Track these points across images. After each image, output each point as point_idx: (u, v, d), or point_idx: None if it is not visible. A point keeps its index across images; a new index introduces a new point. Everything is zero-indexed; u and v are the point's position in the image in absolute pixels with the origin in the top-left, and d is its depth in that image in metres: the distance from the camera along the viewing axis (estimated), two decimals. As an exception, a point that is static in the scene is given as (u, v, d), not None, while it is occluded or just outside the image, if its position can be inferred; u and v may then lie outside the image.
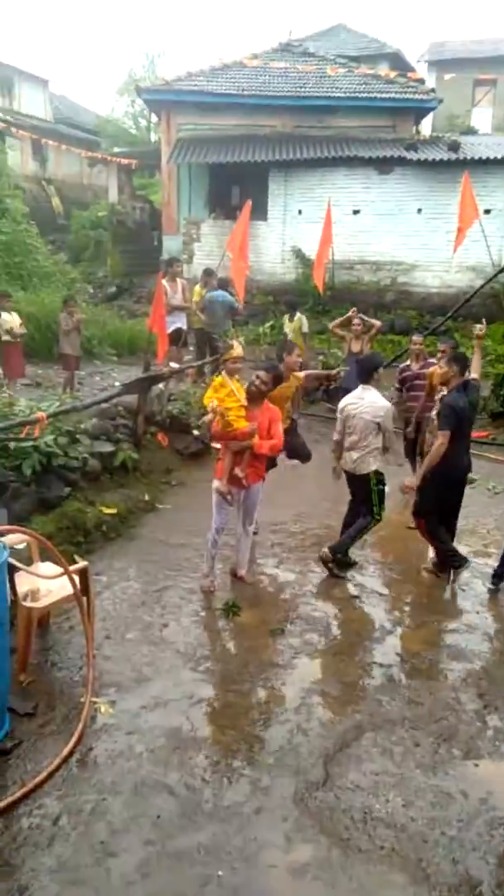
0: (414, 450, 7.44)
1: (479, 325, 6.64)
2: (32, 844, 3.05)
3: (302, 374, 6.54)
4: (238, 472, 5.27)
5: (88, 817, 3.21)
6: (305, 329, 11.06)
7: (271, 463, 6.27)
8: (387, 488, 5.90)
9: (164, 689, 4.18)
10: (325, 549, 5.86)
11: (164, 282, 9.94)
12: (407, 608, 5.42)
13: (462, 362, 5.71)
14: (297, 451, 6.63)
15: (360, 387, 5.88)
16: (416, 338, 8.14)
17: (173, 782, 3.44)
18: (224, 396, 5.19)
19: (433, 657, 4.69)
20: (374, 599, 5.55)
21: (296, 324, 10.90)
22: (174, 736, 3.77)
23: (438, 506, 5.77)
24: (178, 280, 10.66)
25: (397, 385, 7.72)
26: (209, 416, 5.20)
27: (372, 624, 5.13)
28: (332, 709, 4.09)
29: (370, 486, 5.75)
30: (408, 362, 7.81)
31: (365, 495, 5.83)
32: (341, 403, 5.94)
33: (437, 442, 5.46)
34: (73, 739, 3.64)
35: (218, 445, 5.65)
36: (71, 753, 3.58)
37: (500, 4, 60.15)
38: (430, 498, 5.71)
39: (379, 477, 5.77)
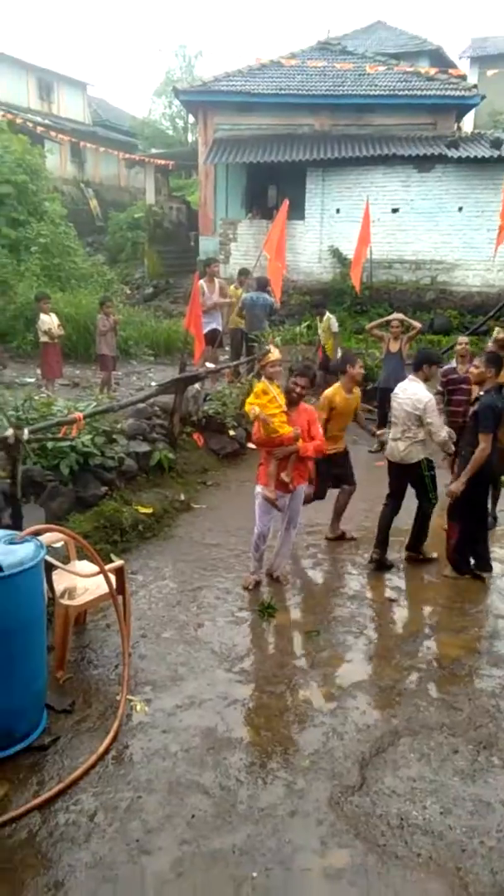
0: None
1: (498, 328, 6.52)
2: (69, 840, 3.07)
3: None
4: (284, 476, 5.27)
5: (124, 814, 3.22)
6: (335, 328, 11.00)
7: (319, 494, 6.38)
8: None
9: (198, 689, 4.18)
10: (405, 553, 6.13)
11: (201, 282, 9.99)
12: (445, 612, 5.32)
13: (500, 363, 5.63)
14: (344, 479, 6.47)
15: (409, 377, 6.00)
16: (462, 338, 7.97)
17: (208, 782, 3.43)
18: (266, 403, 5.15)
19: (472, 663, 4.60)
20: (412, 602, 5.48)
21: (325, 324, 10.86)
22: (209, 736, 3.77)
23: (472, 509, 5.70)
24: (216, 280, 10.72)
25: (440, 388, 7.43)
26: (255, 425, 5.18)
27: (409, 627, 5.06)
28: (368, 712, 4.03)
29: (422, 472, 5.86)
30: (453, 363, 7.62)
31: (418, 484, 5.94)
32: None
33: (481, 445, 5.37)
34: (109, 737, 3.66)
35: (253, 446, 5.67)
36: (107, 750, 3.60)
37: (544, -3, 58.97)
38: (467, 501, 5.62)
39: (429, 463, 5.90)
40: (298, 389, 5.31)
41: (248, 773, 3.50)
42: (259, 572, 5.55)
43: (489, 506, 6.32)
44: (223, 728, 3.84)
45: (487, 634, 4.98)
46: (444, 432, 5.76)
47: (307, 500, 6.06)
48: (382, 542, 5.96)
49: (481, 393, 5.61)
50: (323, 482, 6.38)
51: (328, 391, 6.31)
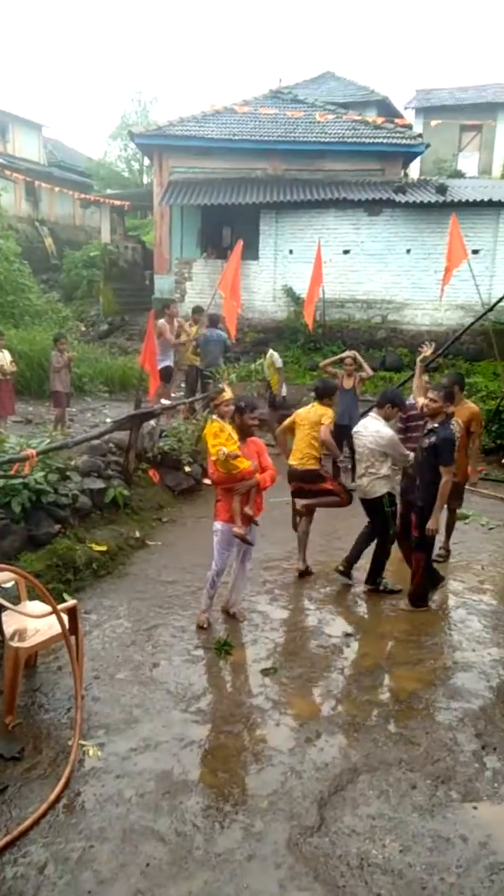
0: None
1: (424, 345, 6.88)
2: (17, 894, 2.93)
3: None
4: (248, 510, 5.29)
5: (75, 866, 3.09)
6: (279, 364, 11.28)
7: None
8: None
9: (154, 731, 4.07)
10: (366, 587, 6.24)
11: (162, 321, 10.14)
12: (402, 645, 5.33)
13: (453, 398, 5.82)
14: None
15: (370, 414, 6.25)
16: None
17: (163, 828, 3.33)
18: (224, 441, 5.16)
19: (429, 696, 4.61)
20: (369, 637, 5.48)
21: (268, 360, 11.13)
22: (164, 779, 3.66)
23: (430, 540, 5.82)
24: (176, 320, 10.89)
25: (400, 424, 7.54)
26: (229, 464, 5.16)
27: (366, 662, 5.05)
28: (327, 750, 3.99)
29: (384, 507, 6.03)
30: (411, 399, 7.74)
31: (379, 517, 6.12)
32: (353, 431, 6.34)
33: (444, 478, 5.49)
34: (61, 784, 3.53)
35: (208, 482, 5.66)
36: (58, 798, 3.46)
37: (483, 54, 62.50)
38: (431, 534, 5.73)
39: (391, 499, 6.07)
40: (256, 423, 5.41)
41: (205, 817, 3.41)
42: (210, 609, 5.50)
43: (443, 539, 6.47)
44: (179, 771, 3.74)
45: (443, 667, 5.00)
46: (411, 456, 6.02)
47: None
48: (353, 558, 6.28)
49: (435, 425, 5.68)
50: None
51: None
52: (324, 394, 6.54)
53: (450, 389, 5.98)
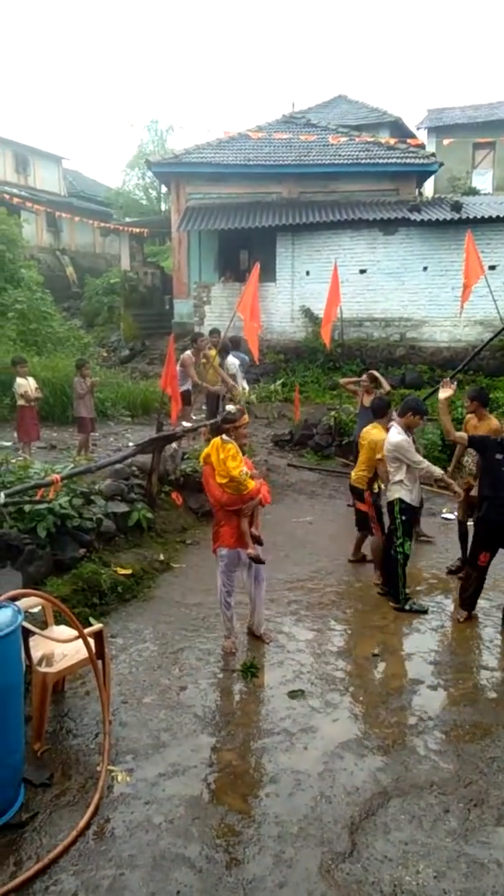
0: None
1: (445, 383, 6.19)
2: (48, 925, 2.92)
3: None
4: (255, 531, 5.28)
5: (106, 894, 3.07)
6: (233, 370, 11.02)
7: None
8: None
9: (182, 756, 4.06)
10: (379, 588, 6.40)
11: (187, 354, 10.33)
12: (429, 666, 5.26)
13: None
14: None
15: (392, 423, 6.36)
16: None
17: (193, 855, 3.30)
18: (241, 463, 5.14)
19: (458, 717, 4.54)
20: (396, 657, 5.42)
21: (215, 361, 10.92)
22: (194, 805, 3.64)
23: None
24: (203, 354, 10.97)
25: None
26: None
27: (394, 682, 4.99)
28: (356, 774, 3.94)
29: (394, 513, 6.08)
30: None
31: (391, 520, 6.19)
32: None
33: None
34: (90, 810, 3.53)
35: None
36: (87, 825, 3.46)
37: (494, 72, 62.89)
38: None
39: (402, 506, 6.04)
40: (247, 440, 5.53)
41: (235, 843, 3.38)
42: (234, 634, 5.43)
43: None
44: (208, 796, 3.72)
45: (472, 686, 4.93)
46: (435, 470, 6.06)
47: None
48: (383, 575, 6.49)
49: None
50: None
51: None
52: (378, 412, 6.84)
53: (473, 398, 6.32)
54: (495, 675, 5.07)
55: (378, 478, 6.68)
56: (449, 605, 6.40)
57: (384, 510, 6.52)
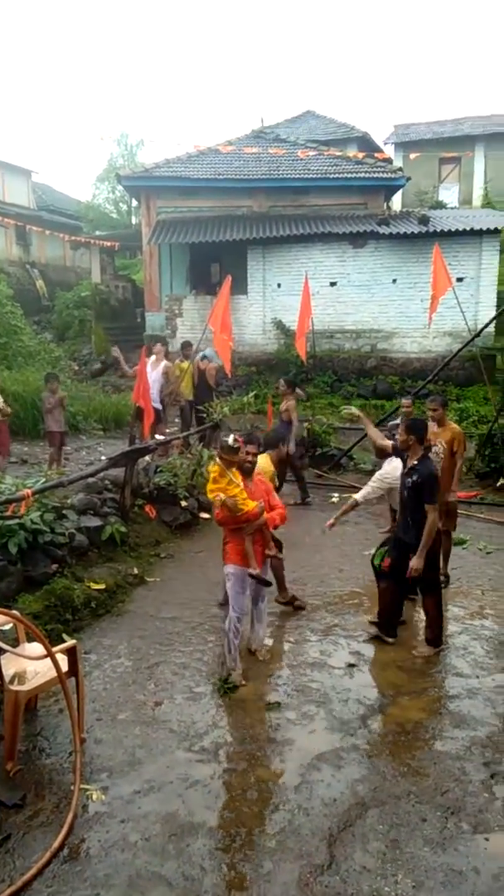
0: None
1: (405, 401, 6.97)
2: None
3: None
4: (268, 551, 5.28)
5: (81, 916, 3.02)
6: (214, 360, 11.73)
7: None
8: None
9: (158, 772, 4.01)
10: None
11: (148, 359, 10.31)
12: (405, 674, 5.28)
13: (417, 430, 5.57)
14: None
15: None
16: (405, 400, 8.21)
17: (170, 873, 3.26)
18: (225, 486, 5.03)
19: (435, 725, 4.56)
20: (372, 667, 5.42)
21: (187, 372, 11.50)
22: (170, 822, 3.60)
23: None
24: (163, 362, 11.05)
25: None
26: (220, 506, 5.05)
27: (371, 692, 5.00)
28: (334, 785, 3.92)
29: None
30: (397, 421, 7.86)
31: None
32: None
33: (431, 517, 5.32)
34: (64, 831, 3.46)
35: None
36: (62, 846, 3.39)
37: (458, 88, 64.42)
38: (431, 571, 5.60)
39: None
40: (251, 458, 5.29)
41: (213, 860, 3.34)
42: (238, 661, 5.16)
43: (441, 565, 6.41)
44: (185, 812, 3.68)
45: (448, 695, 4.95)
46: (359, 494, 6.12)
47: None
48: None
49: (415, 462, 5.50)
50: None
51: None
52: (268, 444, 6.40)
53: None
54: (469, 683, 5.10)
55: None
56: (420, 614, 6.44)
57: None
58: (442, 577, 6.93)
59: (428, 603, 5.66)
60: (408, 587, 5.74)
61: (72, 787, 3.77)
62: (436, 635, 5.66)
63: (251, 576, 5.17)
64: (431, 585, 5.66)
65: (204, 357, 11.85)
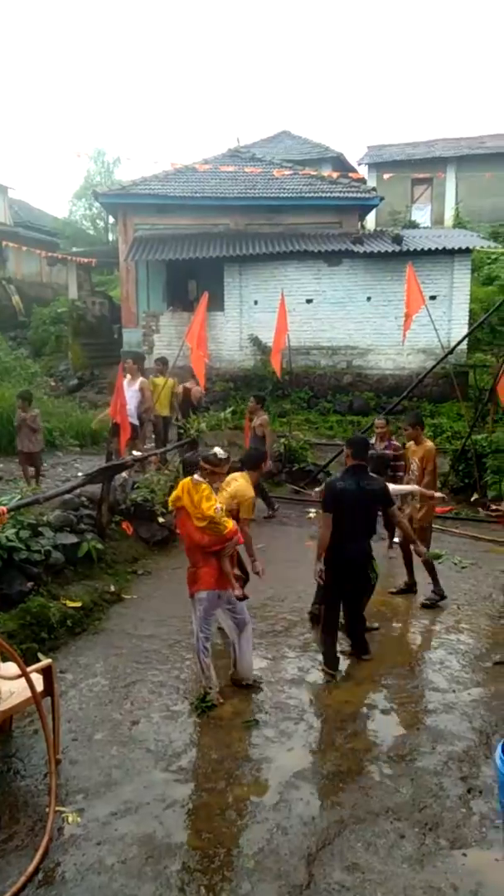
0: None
1: (378, 421, 7.38)
2: None
3: None
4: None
5: (56, 943, 2.96)
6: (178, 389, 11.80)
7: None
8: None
9: (135, 793, 3.96)
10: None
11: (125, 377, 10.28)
12: (383, 690, 5.29)
13: (357, 447, 5.59)
14: None
15: None
16: (378, 421, 8.49)
17: (148, 896, 3.21)
18: (215, 502, 4.99)
19: (413, 741, 4.57)
20: (350, 683, 5.43)
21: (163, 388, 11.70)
22: (147, 843, 3.55)
23: (334, 594, 5.58)
24: (139, 379, 11.03)
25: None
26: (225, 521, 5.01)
27: (349, 708, 4.99)
28: (312, 803, 3.91)
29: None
30: (372, 440, 8.02)
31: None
32: None
33: (318, 525, 5.39)
34: (38, 854, 3.40)
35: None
36: (36, 870, 3.33)
37: (430, 110, 65.84)
38: (327, 586, 5.51)
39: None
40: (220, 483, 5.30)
41: (191, 882, 3.31)
42: (213, 680, 5.08)
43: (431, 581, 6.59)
44: (162, 833, 3.64)
45: (425, 710, 4.97)
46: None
47: None
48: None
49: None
50: None
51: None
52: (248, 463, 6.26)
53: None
54: (447, 697, 5.13)
55: None
56: (397, 628, 6.48)
57: None
58: (434, 595, 6.94)
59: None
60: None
61: (47, 810, 3.71)
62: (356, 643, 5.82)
63: (238, 598, 5.12)
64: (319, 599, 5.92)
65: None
